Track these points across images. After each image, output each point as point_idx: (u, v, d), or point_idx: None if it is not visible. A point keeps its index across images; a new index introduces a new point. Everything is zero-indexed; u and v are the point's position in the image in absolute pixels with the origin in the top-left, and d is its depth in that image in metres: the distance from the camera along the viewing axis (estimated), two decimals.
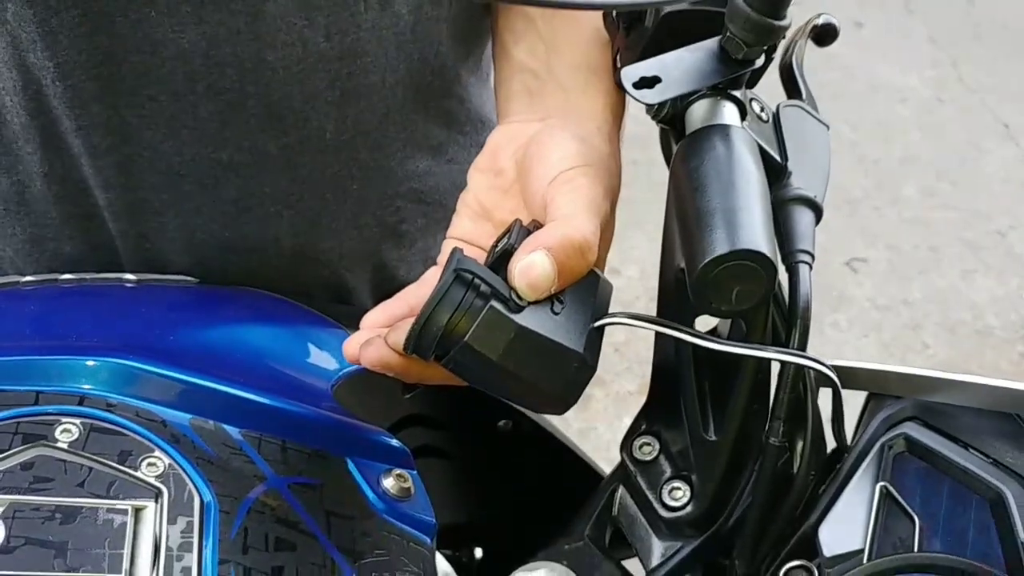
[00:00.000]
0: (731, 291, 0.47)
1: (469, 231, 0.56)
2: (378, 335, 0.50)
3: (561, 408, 0.50)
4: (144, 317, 0.57)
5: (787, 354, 0.49)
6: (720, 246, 0.46)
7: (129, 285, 0.60)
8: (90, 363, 0.49)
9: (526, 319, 0.47)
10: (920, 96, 2.95)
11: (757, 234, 0.46)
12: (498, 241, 0.51)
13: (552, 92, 0.59)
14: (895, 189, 2.63)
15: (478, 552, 0.73)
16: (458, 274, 0.46)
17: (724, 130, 0.51)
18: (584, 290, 0.49)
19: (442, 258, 0.55)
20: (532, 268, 0.47)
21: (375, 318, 0.53)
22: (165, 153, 0.60)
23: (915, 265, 2.42)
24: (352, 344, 0.51)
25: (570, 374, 0.48)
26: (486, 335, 0.46)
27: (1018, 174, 2.69)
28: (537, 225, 0.51)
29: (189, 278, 0.63)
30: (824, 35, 0.62)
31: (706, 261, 0.46)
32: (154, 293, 0.60)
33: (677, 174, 0.50)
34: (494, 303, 0.46)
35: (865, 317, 2.26)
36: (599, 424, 1.95)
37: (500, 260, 0.48)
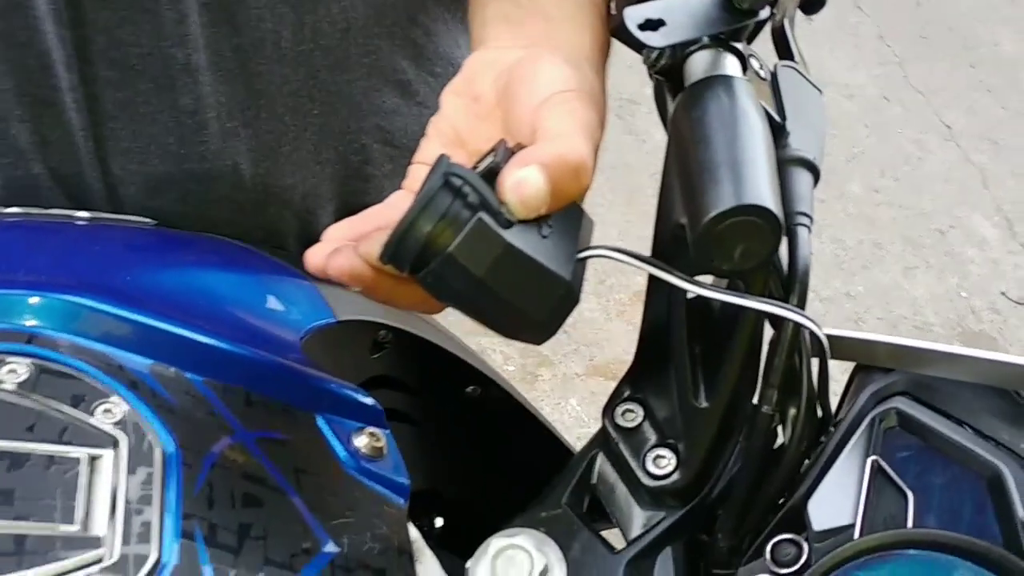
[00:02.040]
0: (735, 248, 0.44)
1: None
2: (347, 244, 0.45)
3: (541, 336, 0.47)
4: (98, 255, 0.53)
5: (783, 308, 0.47)
6: (726, 200, 0.43)
7: (81, 223, 0.56)
8: (39, 299, 0.44)
9: (515, 237, 0.43)
10: (867, 94, 2.98)
11: (764, 189, 0.44)
12: (479, 162, 0.47)
13: (535, 21, 0.54)
14: (841, 184, 2.66)
15: (438, 521, 0.70)
16: (447, 179, 0.42)
17: (728, 81, 0.48)
18: (569, 220, 0.46)
19: (407, 182, 0.51)
20: (526, 183, 0.43)
21: (339, 232, 0.48)
22: (121, 41, 0.56)
23: (859, 260, 2.45)
24: (317, 254, 0.46)
25: (555, 301, 0.45)
26: (471, 248, 0.42)
27: (958, 175, 2.74)
28: (523, 148, 0.46)
29: (146, 219, 0.59)
30: (811, 2, 0.60)
31: (711, 216, 0.43)
32: (109, 232, 0.56)
33: (678, 125, 0.48)
34: (483, 215, 0.42)
35: (808, 308, 2.27)
36: (545, 405, 1.93)
37: (485, 178, 0.44)
